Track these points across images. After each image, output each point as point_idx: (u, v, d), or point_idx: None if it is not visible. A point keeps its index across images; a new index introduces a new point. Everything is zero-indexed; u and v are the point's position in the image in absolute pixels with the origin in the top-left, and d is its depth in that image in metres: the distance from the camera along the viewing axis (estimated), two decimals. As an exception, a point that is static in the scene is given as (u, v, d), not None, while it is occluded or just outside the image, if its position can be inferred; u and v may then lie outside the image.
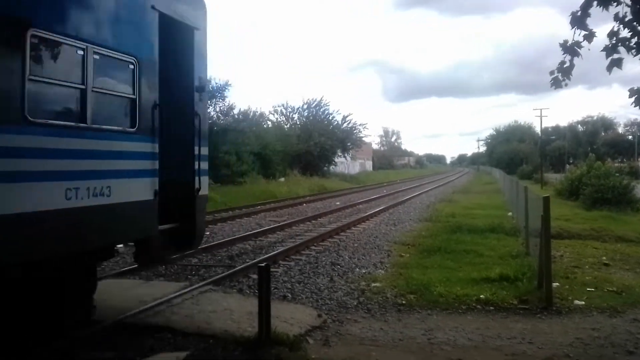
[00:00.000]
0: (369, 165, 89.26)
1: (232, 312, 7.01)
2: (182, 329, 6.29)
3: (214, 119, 34.65)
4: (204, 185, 7.48)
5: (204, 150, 7.50)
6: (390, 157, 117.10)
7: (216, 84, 34.06)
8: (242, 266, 9.93)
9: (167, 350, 5.75)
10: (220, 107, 35.23)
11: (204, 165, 7.53)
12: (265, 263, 6.47)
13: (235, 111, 38.66)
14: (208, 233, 15.33)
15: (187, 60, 7.34)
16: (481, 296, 7.93)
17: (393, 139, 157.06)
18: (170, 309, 7.05)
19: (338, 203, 26.38)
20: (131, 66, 5.97)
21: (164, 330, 6.28)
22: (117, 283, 8.65)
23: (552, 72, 6.13)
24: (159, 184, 6.45)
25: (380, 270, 10.08)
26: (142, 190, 6.14)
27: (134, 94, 6.00)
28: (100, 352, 5.65)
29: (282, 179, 39.77)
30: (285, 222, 16.95)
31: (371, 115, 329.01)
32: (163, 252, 7.09)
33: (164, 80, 6.74)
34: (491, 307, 7.57)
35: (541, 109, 56.19)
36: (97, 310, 6.80)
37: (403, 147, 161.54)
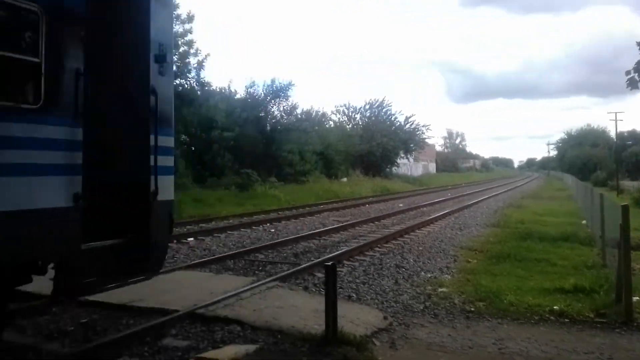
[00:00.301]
0: (432, 167, 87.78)
1: (299, 309, 7.10)
2: (251, 322, 6.43)
3: (278, 118, 35.35)
4: (165, 187, 5.64)
5: (166, 141, 5.67)
6: (454, 160, 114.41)
7: (280, 83, 34.79)
8: (307, 264, 10.04)
9: (237, 342, 5.91)
10: (284, 106, 35.90)
11: (166, 160, 5.69)
12: (331, 262, 6.51)
13: (298, 111, 39.20)
14: (273, 230, 15.61)
15: (140, 19, 5.53)
16: (555, 307, 7.60)
17: (457, 141, 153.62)
18: (239, 303, 7.23)
19: (401, 205, 26.14)
20: (33, 17, 4.33)
21: (233, 322, 6.45)
22: (189, 275, 8.99)
23: (628, 72, 5.82)
24: (88, 185, 4.79)
25: (446, 275, 9.90)
26: (50, 193, 4.43)
27: (37, 57, 4.35)
28: (175, 340, 5.89)
29: (345, 179, 39.88)
30: (349, 222, 16.98)
31: (435, 116, 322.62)
32: (96, 280, 5.21)
33: (100, 44, 5.23)
34: (566, 319, 7.24)
35: (616, 113, 53.00)
36: (172, 299, 7.10)
37: (468, 149, 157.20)
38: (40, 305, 6.95)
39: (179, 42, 27.45)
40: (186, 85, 27.50)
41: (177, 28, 27.53)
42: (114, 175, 5.55)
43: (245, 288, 7.89)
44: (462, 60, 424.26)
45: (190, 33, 27.41)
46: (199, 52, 27.43)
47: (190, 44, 27.53)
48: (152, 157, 5.45)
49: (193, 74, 27.95)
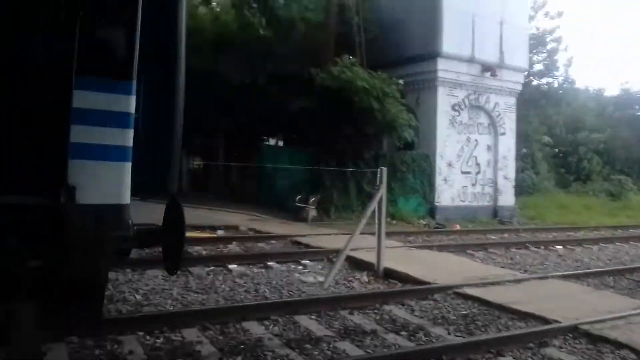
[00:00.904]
0: None
1: None
2: (648, 352, 5.62)
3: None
4: (96, 179, 2.98)
5: (101, 101, 2.97)
6: None
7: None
8: None
9: (632, 372, 5.26)
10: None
11: (99, 134, 3.00)
12: None
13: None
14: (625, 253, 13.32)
15: None
16: None
17: None
18: (629, 327, 6.40)
19: None
20: None
21: (625, 348, 5.75)
22: (564, 285, 8.52)
23: None
24: None
25: None
26: None
27: None
28: (559, 352, 5.64)
29: None
30: None
31: None
32: None
33: None
34: None
35: None
36: (551, 308, 6.78)
37: None
38: (422, 290, 7.77)
39: (547, 39, 26.41)
40: (553, 84, 26.24)
41: (545, 25, 26.54)
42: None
43: (636, 312, 6.95)
44: None
45: (559, 28, 26.11)
46: (567, 49, 25.92)
47: (558, 40, 26.19)
48: (63, 127, 2.94)
49: (561, 71, 26.48)
